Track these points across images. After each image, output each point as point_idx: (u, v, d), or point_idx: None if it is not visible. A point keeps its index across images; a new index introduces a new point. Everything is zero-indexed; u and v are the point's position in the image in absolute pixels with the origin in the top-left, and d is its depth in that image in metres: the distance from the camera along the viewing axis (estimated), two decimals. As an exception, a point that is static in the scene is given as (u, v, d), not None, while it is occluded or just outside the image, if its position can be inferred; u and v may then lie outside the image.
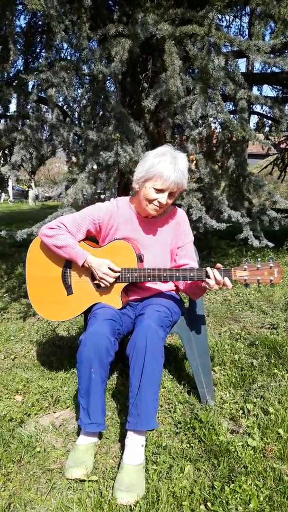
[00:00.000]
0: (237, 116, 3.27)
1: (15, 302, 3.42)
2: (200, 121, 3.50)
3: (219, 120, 3.30)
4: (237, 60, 3.20)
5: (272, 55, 3.15)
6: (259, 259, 1.58)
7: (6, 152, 4.62)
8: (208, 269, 1.54)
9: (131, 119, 3.14)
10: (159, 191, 1.62)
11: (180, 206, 3.01)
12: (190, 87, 2.95)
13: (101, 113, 3.73)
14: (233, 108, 4.73)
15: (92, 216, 1.74)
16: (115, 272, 1.63)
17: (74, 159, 4.03)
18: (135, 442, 1.44)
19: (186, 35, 2.88)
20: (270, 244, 3.55)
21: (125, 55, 2.82)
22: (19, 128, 3.52)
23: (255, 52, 2.75)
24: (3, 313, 3.18)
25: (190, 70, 4.28)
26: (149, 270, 1.62)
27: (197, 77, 2.96)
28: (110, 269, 1.62)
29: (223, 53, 2.94)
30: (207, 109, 3.01)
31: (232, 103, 4.45)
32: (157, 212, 1.69)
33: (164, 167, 1.57)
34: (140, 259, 1.67)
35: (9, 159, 4.54)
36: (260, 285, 1.56)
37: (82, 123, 3.87)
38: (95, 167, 3.21)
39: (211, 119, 3.38)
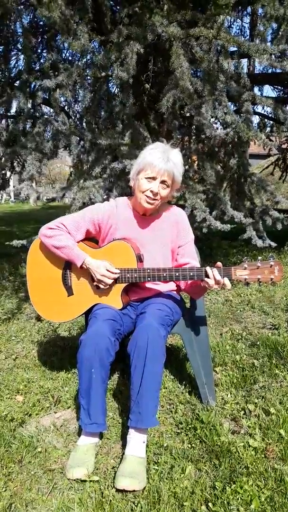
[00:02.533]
0: (239, 116, 3.27)
1: (16, 303, 3.42)
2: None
3: (221, 121, 3.30)
4: (242, 61, 3.21)
5: (274, 57, 3.15)
6: (259, 257, 1.57)
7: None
8: (208, 268, 1.53)
9: (138, 122, 3.15)
10: (151, 179, 1.63)
11: (184, 207, 3.01)
12: (198, 89, 2.95)
13: (103, 116, 3.73)
14: (235, 109, 4.72)
15: (91, 216, 1.75)
16: (113, 273, 1.63)
17: (79, 161, 4.01)
18: (136, 439, 1.45)
19: (193, 37, 2.87)
20: (273, 244, 3.54)
21: (134, 58, 2.82)
22: (26, 131, 3.51)
23: (262, 55, 2.75)
24: (4, 313, 3.18)
25: (193, 71, 4.27)
26: (148, 270, 1.61)
27: (204, 79, 2.96)
28: (108, 271, 1.62)
29: (229, 55, 2.94)
30: (216, 111, 3.02)
31: (235, 104, 4.44)
32: (152, 204, 1.67)
33: (155, 156, 1.62)
34: (139, 259, 1.66)
35: (10, 164, 4.48)
36: (261, 284, 1.55)
37: (85, 125, 3.86)
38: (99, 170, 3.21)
39: (213, 119, 3.38)
